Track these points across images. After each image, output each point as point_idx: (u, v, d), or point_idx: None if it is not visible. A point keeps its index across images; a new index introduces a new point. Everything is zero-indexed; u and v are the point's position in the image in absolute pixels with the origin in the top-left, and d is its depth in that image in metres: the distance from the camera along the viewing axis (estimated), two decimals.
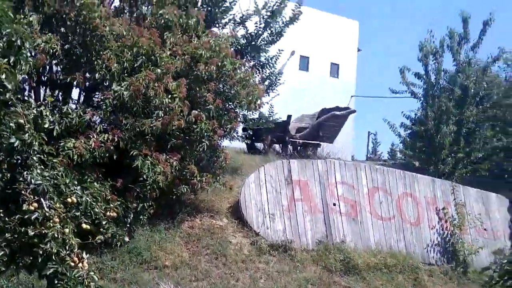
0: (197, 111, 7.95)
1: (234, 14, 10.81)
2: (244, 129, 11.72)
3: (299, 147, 14.11)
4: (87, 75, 7.20)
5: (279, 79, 11.59)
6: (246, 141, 10.27)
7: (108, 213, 6.13)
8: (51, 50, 6.09)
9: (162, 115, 7.25)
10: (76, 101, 7.98)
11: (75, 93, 8.23)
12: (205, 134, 8.00)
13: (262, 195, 8.97)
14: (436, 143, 14.15)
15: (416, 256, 9.41)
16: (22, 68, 3.91)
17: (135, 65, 7.25)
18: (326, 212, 9.19)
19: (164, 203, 8.15)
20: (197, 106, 8.24)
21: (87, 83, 7.34)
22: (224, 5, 10.46)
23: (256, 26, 10.94)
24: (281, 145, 13.89)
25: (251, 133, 10.51)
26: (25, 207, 4.76)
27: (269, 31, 11.00)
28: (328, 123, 14.06)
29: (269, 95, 11.17)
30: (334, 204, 9.34)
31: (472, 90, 14.20)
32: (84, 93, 8.22)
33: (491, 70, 15.24)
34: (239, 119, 8.88)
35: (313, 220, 9.04)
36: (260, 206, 8.83)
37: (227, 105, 8.91)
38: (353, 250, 8.70)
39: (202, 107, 8.21)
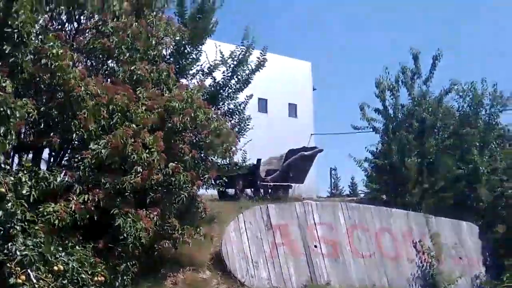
0: (174, 163, 7.89)
1: (201, 65, 10.97)
2: (217, 177, 11.70)
3: (270, 190, 14.16)
4: (62, 136, 7.04)
5: (247, 125, 11.72)
6: (220, 188, 10.22)
7: (95, 278, 5.88)
8: (27, 115, 5.95)
9: (141, 171, 7.15)
10: (48, 164, 7.76)
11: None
12: (184, 185, 7.94)
13: (243, 242, 8.88)
14: (402, 176, 14.52)
15: None
16: (13, 138, 3.80)
17: (111, 123, 7.18)
18: (308, 255, 9.18)
19: (146, 260, 7.91)
20: (173, 158, 8.18)
21: (64, 145, 7.18)
22: (191, 56, 10.61)
23: (224, 75, 11.12)
24: (252, 189, 13.92)
25: (226, 180, 10.52)
26: (12, 280, 4.52)
27: (236, 79, 11.20)
28: (297, 164, 14.26)
29: (240, 142, 11.26)
30: (316, 246, 9.36)
31: (429, 122, 14.80)
32: (55, 155, 8.02)
33: (444, 102, 16.00)
34: (214, 168, 8.86)
35: (296, 264, 9.00)
36: (242, 254, 8.73)
37: (202, 155, 8.92)
38: None
39: (179, 159, 8.18)
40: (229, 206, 11.80)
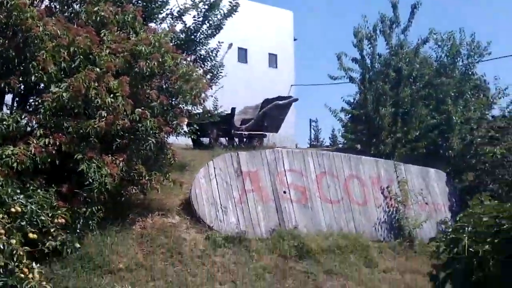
0: (141, 109, 7.80)
1: (171, 9, 10.63)
2: (189, 124, 11.65)
3: (245, 139, 14.22)
4: (21, 78, 6.84)
5: (220, 72, 11.56)
6: (192, 136, 10.17)
7: (56, 220, 5.91)
8: None
9: (106, 115, 7.04)
10: (10, 107, 7.60)
11: (8, 98, 7.85)
12: (151, 132, 7.88)
13: (213, 189, 8.96)
14: (376, 125, 14.64)
15: (365, 235, 9.77)
16: None
17: (73, 66, 6.99)
18: (277, 201, 9.33)
19: (113, 206, 7.95)
20: (140, 104, 8.08)
21: (22, 87, 6.98)
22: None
23: (195, 20, 10.83)
24: (226, 138, 13.95)
25: (197, 127, 10.46)
26: None
27: (208, 25, 10.92)
28: (272, 113, 14.27)
29: (212, 89, 11.13)
30: (285, 192, 9.50)
31: (405, 72, 14.80)
32: (18, 98, 7.85)
33: (421, 52, 15.96)
34: (184, 115, 8.78)
35: (265, 209, 9.15)
36: (211, 200, 8.83)
37: (171, 101, 8.82)
38: (306, 235, 8.90)
39: (146, 105, 8.08)
40: (202, 154, 11.86)
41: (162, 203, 8.80)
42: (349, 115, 16.31)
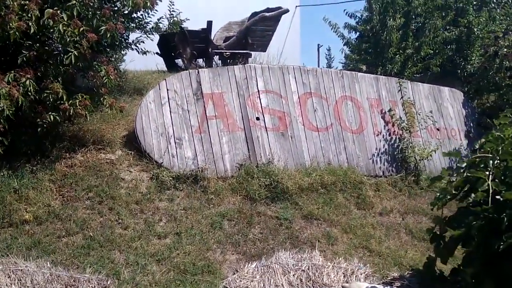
0: (52, 9, 5.87)
1: None
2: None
3: (228, 60, 12.14)
4: None
5: None
6: (145, 52, 8.17)
7: None
8: None
9: None
10: None
11: None
12: (69, 40, 5.98)
13: (164, 116, 7.11)
14: (383, 41, 12.46)
15: (360, 169, 7.93)
16: None
17: None
18: (247, 129, 7.46)
19: (27, 138, 6.21)
20: (53, 3, 6.11)
21: None
22: None
23: None
24: (204, 59, 11.88)
25: (162, 44, 8.49)
26: None
27: None
28: (257, 28, 12.06)
29: None
30: (258, 118, 7.60)
31: None
32: None
33: None
34: (116, 18, 6.74)
35: (231, 140, 7.31)
36: (162, 130, 7.00)
37: (102, 2, 6.79)
38: (283, 172, 7.08)
39: (62, 4, 6.11)
40: (168, 77, 9.89)
41: (101, 135, 7.00)
42: (354, 31, 14.09)
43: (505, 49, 9.70)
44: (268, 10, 12.36)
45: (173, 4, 8.85)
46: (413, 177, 8.15)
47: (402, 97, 8.67)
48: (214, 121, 7.33)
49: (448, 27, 12.82)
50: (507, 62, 9.52)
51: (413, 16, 12.91)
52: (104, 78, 6.52)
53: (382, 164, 8.26)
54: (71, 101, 6.16)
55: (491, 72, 10.26)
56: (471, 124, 9.63)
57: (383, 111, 8.59)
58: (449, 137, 9.15)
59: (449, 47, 12.57)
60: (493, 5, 13.50)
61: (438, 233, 3.42)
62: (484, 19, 12.35)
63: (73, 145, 6.65)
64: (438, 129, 9.01)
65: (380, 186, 7.70)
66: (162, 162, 6.77)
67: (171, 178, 6.52)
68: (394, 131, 8.47)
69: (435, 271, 3.72)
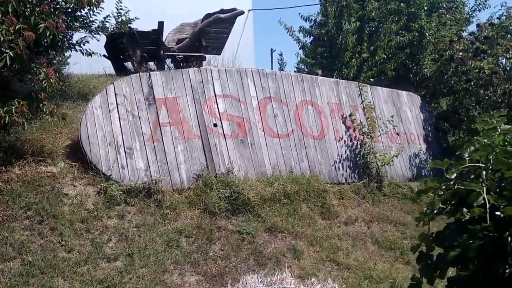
0: None
1: None
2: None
3: (181, 63, 11.58)
4: None
5: None
6: (91, 54, 7.48)
7: None
8: None
9: None
10: None
11: None
12: (3, 39, 5.31)
13: (113, 123, 6.50)
14: (338, 45, 12.35)
15: (322, 177, 7.62)
16: None
17: None
18: (204, 137, 6.97)
19: None
20: None
21: None
22: None
23: None
24: (155, 62, 11.27)
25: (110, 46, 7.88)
26: None
27: None
28: (211, 30, 11.60)
29: None
30: (215, 125, 7.13)
31: None
32: None
33: None
34: (63, 18, 6.10)
35: (187, 148, 6.79)
36: (110, 138, 6.39)
37: None
38: (243, 182, 6.63)
39: None
40: (116, 80, 9.23)
41: (41, 146, 6.29)
42: (308, 35, 13.89)
43: (460, 53, 9.72)
44: (222, 11, 11.94)
45: (120, 2, 8.20)
46: (376, 183, 7.94)
47: (362, 101, 8.46)
48: (168, 128, 6.78)
49: (401, 32, 12.90)
50: (463, 66, 9.54)
51: (368, 21, 12.94)
52: (43, 82, 5.85)
53: (344, 171, 7.99)
54: (6, 107, 5.49)
55: (446, 76, 10.28)
56: (429, 128, 9.58)
57: (344, 116, 8.34)
58: (409, 142, 9.04)
59: (402, 51, 12.61)
60: (442, 10, 13.75)
61: (423, 252, 3.05)
62: (434, 24, 12.53)
63: (9, 157, 5.91)
64: (398, 134, 8.87)
65: (343, 194, 7.41)
66: (111, 175, 6.15)
67: (121, 192, 5.92)
68: (356, 137, 8.24)
69: None
